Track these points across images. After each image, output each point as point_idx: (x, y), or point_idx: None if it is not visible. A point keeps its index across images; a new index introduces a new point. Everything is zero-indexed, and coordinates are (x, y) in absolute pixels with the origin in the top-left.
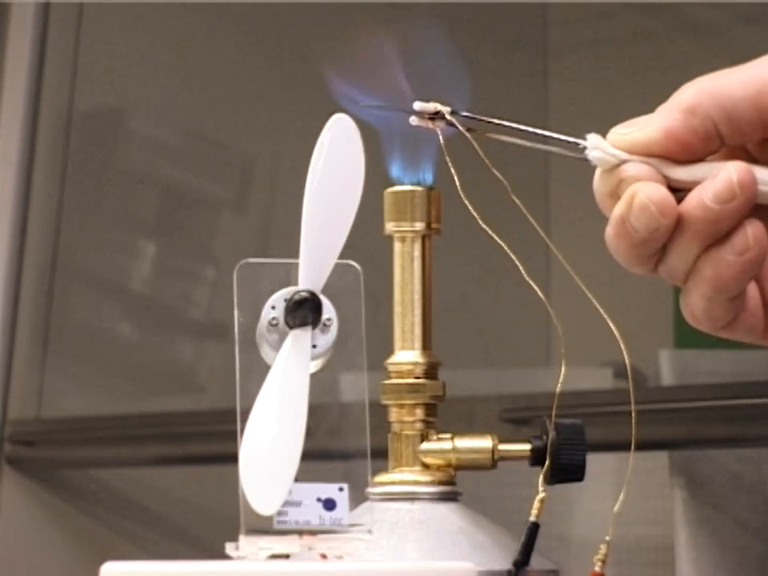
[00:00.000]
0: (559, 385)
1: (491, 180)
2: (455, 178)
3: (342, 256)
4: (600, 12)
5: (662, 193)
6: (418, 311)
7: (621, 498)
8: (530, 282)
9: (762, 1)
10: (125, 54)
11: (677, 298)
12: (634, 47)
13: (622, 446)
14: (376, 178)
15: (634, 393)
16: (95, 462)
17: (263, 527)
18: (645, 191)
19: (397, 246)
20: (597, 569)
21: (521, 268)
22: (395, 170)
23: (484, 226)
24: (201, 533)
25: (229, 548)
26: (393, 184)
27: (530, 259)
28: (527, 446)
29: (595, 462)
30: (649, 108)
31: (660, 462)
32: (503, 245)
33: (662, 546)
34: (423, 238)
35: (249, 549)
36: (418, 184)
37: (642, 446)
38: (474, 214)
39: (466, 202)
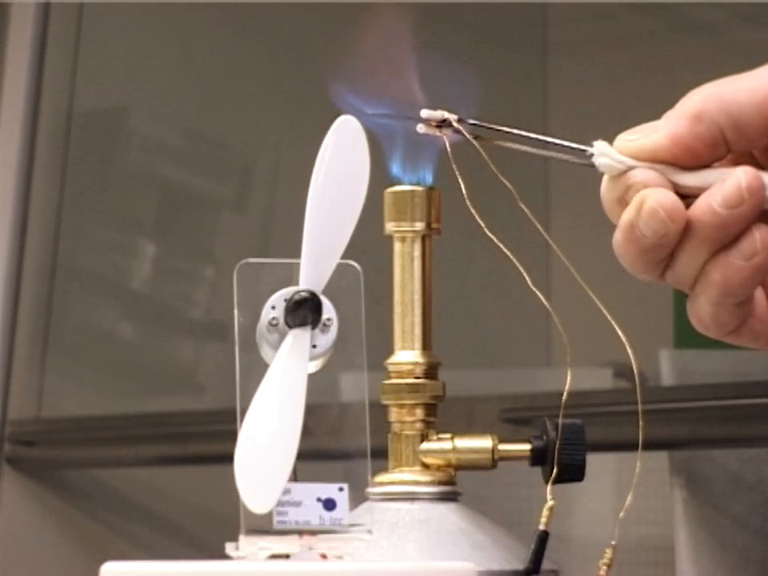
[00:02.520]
0: (565, 393)
1: (489, 183)
2: (462, 186)
3: (341, 256)
4: (600, 12)
5: (672, 198)
6: (417, 311)
7: (627, 502)
8: (534, 289)
9: (762, 1)
10: (125, 54)
11: (677, 298)
12: (634, 47)
13: (622, 446)
14: (376, 178)
15: (634, 393)
16: (95, 462)
17: (263, 527)
18: (654, 197)
19: (397, 246)
20: (602, 573)
21: (526, 277)
22: (396, 171)
23: (490, 234)
24: (201, 533)
25: (229, 548)
26: (393, 184)
27: (530, 261)
28: (527, 446)
29: (595, 462)
30: (648, 108)
31: (660, 462)
32: (508, 253)
33: (661, 545)
34: (423, 237)
35: (249, 549)
36: (418, 184)
37: (642, 446)
38: (480, 222)
39: (472, 210)
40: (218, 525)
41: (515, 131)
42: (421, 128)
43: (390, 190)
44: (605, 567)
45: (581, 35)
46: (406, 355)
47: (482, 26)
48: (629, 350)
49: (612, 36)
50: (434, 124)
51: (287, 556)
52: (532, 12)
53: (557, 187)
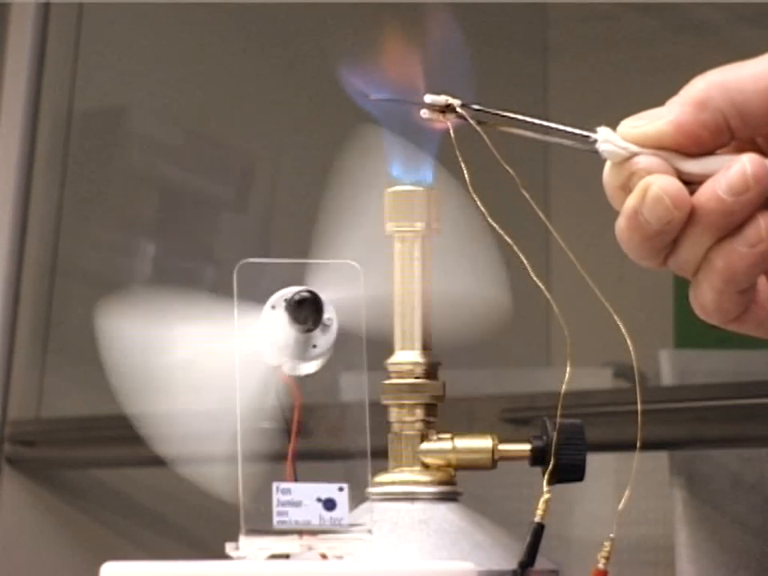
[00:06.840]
0: (564, 385)
1: (489, 183)
2: (465, 175)
3: (341, 256)
4: (600, 12)
5: (676, 185)
6: (417, 311)
7: (626, 495)
8: (538, 283)
9: (762, 1)
10: (125, 54)
11: (677, 298)
12: (634, 47)
13: (622, 446)
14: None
15: (634, 392)
16: (95, 462)
17: (263, 527)
18: (659, 183)
19: (397, 246)
20: (600, 566)
21: (528, 268)
22: (396, 170)
23: (493, 224)
24: (201, 533)
25: (229, 548)
26: (393, 184)
27: (529, 262)
28: (527, 446)
29: (595, 462)
30: (648, 108)
31: (660, 462)
32: (512, 243)
33: (662, 545)
34: (423, 237)
35: (249, 549)
36: (418, 184)
37: (642, 446)
38: (483, 210)
39: (476, 199)
40: (218, 525)
41: (519, 116)
42: (424, 113)
43: (390, 189)
44: (603, 560)
45: (581, 35)
46: (406, 355)
47: (482, 25)
48: (629, 344)
49: (612, 36)
50: (437, 109)
51: (287, 556)
52: (532, 12)
53: (557, 184)
